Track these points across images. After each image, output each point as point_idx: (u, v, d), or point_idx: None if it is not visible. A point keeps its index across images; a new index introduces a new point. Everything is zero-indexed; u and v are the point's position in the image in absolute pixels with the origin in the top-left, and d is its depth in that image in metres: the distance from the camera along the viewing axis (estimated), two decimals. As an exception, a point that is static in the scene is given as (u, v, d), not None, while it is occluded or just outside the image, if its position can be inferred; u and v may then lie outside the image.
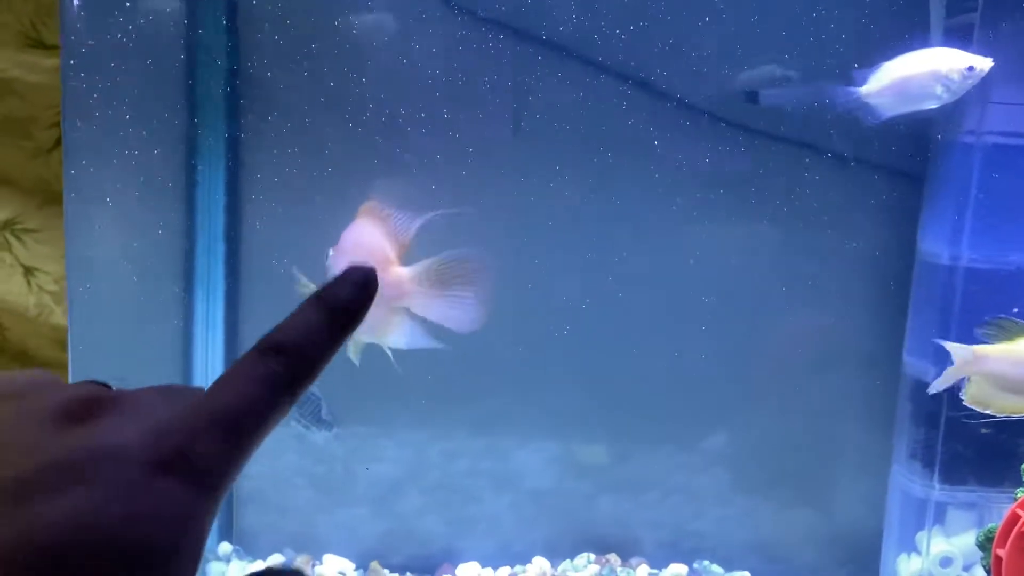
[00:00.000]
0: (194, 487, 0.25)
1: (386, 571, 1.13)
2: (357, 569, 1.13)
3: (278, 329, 0.28)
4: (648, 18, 1.04)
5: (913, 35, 1.00)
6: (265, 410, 0.27)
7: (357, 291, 0.29)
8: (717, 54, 1.05)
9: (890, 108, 0.94)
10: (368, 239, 0.84)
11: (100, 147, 1.08)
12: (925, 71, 0.92)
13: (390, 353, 0.87)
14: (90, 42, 1.00)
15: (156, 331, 1.10)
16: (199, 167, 1.06)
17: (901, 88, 0.93)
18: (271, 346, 0.28)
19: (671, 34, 1.04)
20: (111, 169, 1.07)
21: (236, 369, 0.28)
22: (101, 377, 0.31)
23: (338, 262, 0.83)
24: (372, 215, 0.87)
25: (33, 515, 0.23)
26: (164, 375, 1.08)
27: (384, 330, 0.85)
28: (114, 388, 0.29)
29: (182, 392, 0.29)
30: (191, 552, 0.25)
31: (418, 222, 0.87)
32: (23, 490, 0.24)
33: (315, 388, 1.10)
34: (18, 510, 0.23)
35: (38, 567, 0.22)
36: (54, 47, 1.72)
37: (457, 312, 0.85)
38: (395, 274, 0.84)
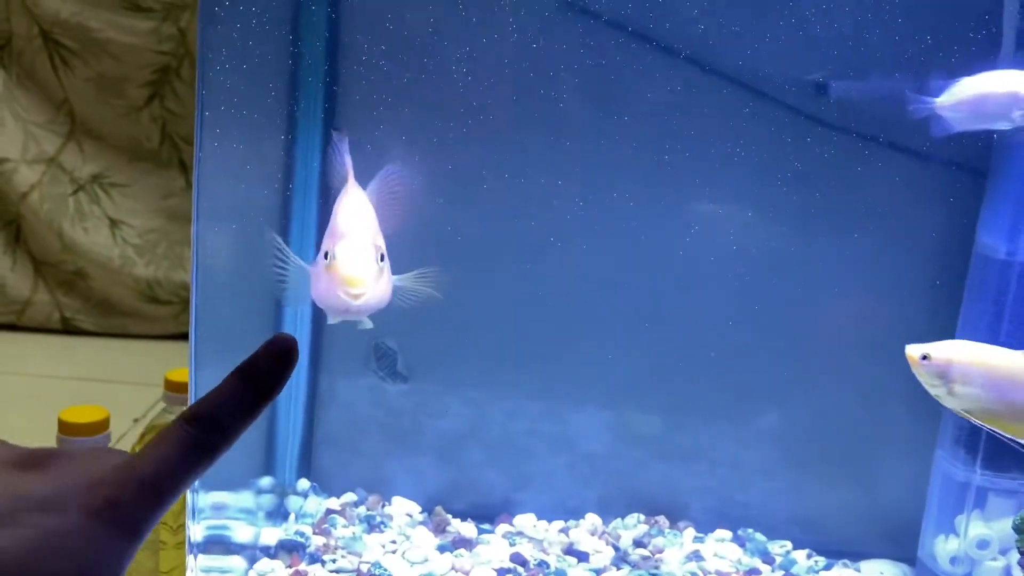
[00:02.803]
0: (119, 532, 0.31)
1: (449, 516, 1.21)
2: (422, 512, 1.22)
3: (200, 400, 0.34)
4: (719, 1, 1.07)
5: (983, 53, 1.00)
6: (182, 471, 0.33)
7: (276, 365, 0.34)
8: (785, 44, 1.08)
9: (962, 123, 0.93)
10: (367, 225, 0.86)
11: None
12: (1004, 91, 0.91)
13: (368, 323, 0.91)
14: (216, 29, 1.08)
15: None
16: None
17: (977, 105, 0.92)
18: (191, 416, 0.34)
19: (736, 18, 1.08)
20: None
21: (162, 434, 0.33)
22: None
23: (342, 251, 0.83)
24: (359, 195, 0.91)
25: None
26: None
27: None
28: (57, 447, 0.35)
29: (115, 453, 0.34)
30: None
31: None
32: None
33: (393, 343, 1.19)
34: None
35: None
36: (149, 10, 1.83)
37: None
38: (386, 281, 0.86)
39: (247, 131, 1.11)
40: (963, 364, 0.84)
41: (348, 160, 0.95)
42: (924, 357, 0.86)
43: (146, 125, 1.94)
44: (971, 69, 0.94)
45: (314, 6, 1.10)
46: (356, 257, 0.82)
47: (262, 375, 0.35)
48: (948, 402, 0.86)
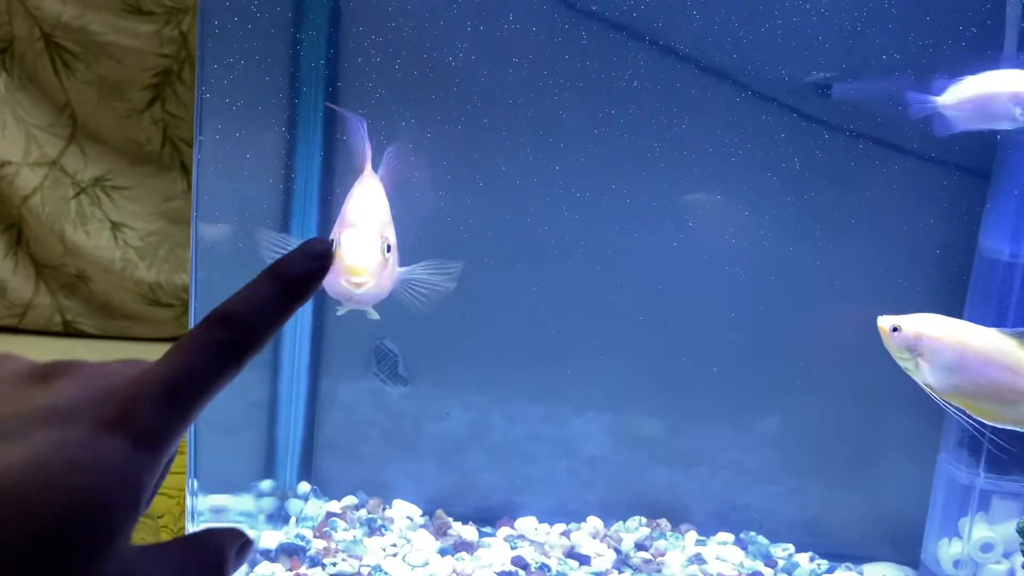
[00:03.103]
0: (134, 446, 0.28)
1: (450, 519, 1.21)
2: (424, 515, 1.22)
3: (228, 300, 0.30)
4: (721, 3, 1.07)
5: (986, 52, 0.99)
6: (205, 378, 0.29)
7: (312, 263, 0.31)
8: (788, 45, 1.08)
9: (965, 123, 0.93)
10: (375, 214, 0.86)
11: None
12: (1007, 91, 0.90)
13: (374, 313, 0.90)
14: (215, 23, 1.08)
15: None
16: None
17: (980, 105, 0.92)
18: (219, 317, 0.30)
19: (743, 21, 1.08)
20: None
21: (186, 339, 0.30)
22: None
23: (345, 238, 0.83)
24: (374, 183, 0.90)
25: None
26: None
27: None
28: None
29: (137, 364, 0.31)
30: (129, 503, 0.27)
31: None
32: None
33: (394, 346, 1.19)
34: None
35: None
36: (151, 13, 1.83)
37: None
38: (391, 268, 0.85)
39: (247, 134, 1.11)
40: (933, 338, 0.83)
41: (368, 147, 0.94)
42: (895, 329, 0.84)
43: (147, 128, 1.94)
44: (974, 68, 0.94)
45: (312, 14, 1.10)
46: (360, 247, 0.82)
47: (296, 275, 0.31)
48: (916, 376, 0.84)
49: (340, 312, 0.91)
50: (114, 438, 0.28)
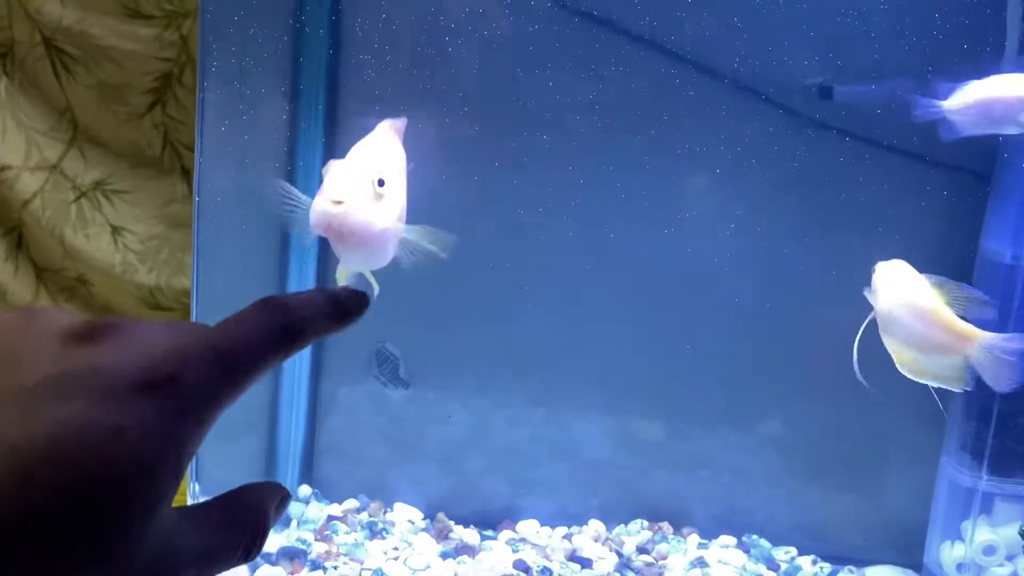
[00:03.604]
0: (179, 410, 0.27)
1: (451, 522, 1.21)
2: (425, 518, 1.22)
3: (284, 295, 0.31)
4: (720, 5, 1.07)
5: (987, 56, 0.99)
6: (260, 353, 0.29)
7: (358, 305, 0.32)
8: (788, 47, 1.08)
9: (970, 127, 0.92)
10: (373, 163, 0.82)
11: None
12: (1013, 96, 0.90)
13: (374, 284, 0.88)
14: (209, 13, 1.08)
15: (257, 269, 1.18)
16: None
17: (985, 109, 0.92)
18: (279, 303, 0.30)
19: (743, 23, 1.08)
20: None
21: (242, 314, 0.30)
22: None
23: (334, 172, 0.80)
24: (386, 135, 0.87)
25: (37, 419, 0.26)
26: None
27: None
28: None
29: (186, 326, 0.30)
30: (171, 470, 0.27)
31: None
32: (30, 397, 0.26)
33: (395, 349, 1.19)
34: (25, 414, 0.26)
35: (40, 463, 0.25)
36: (151, 17, 1.83)
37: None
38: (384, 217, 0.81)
39: (248, 137, 1.11)
40: (882, 284, 0.91)
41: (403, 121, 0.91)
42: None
43: (148, 132, 1.94)
44: (975, 72, 0.93)
45: (313, 16, 1.10)
46: (343, 174, 0.79)
47: (345, 298, 0.32)
48: (885, 340, 0.91)
49: (340, 274, 0.87)
50: (160, 402, 0.27)
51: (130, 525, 0.26)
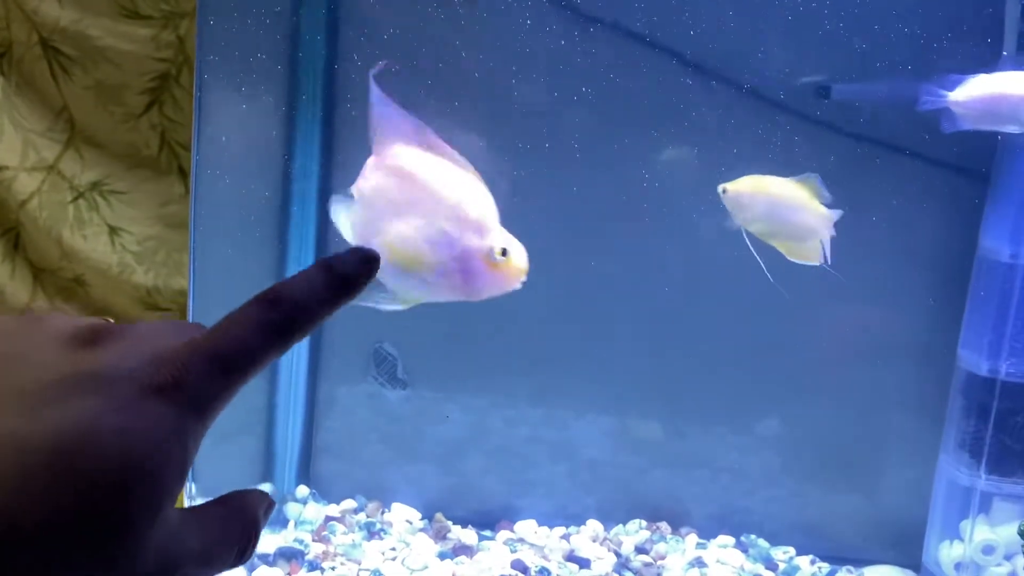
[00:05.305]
0: (183, 411, 0.28)
1: (449, 522, 1.21)
2: (423, 519, 1.21)
3: (281, 283, 0.30)
4: (719, 6, 1.07)
5: (986, 53, 0.99)
6: (257, 353, 0.29)
7: (364, 267, 0.31)
8: (785, 46, 1.08)
9: (972, 122, 0.92)
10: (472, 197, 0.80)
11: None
12: (1018, 94, 0.90)
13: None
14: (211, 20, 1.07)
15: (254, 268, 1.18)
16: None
17: (989, 104, 0.91)
18: (273, 297, 0.30)
19: (740, 23, 1.08)
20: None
21: (237, 313, 0.30)
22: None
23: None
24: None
25: (42, 422, 0.26)
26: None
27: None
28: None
29: (186, 328, 0.31)
30: (176, 470, 0.27)
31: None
32: (35, 400, 0.27)
33: (393, 349, 1.18)
34: (31, 417, 0.26)
35: (46, 466, 0.25)
36: (148, 17, 1.83)
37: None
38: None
39: (245, 137, 1.11)
40: (749, 194, 0.98)
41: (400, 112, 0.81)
42: (724, 191, 0.99)
43: (145, 132, 1.93)
44: (975, 70, 0.93)
45: (311, 16, 1.10)
46: (519, 245, 0.79)
47: (347, 272, 0.31)
48: (745, 228, 0.98)
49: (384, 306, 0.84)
50: (164, 403, 0.27)
51: (136, 527, 0.26)
